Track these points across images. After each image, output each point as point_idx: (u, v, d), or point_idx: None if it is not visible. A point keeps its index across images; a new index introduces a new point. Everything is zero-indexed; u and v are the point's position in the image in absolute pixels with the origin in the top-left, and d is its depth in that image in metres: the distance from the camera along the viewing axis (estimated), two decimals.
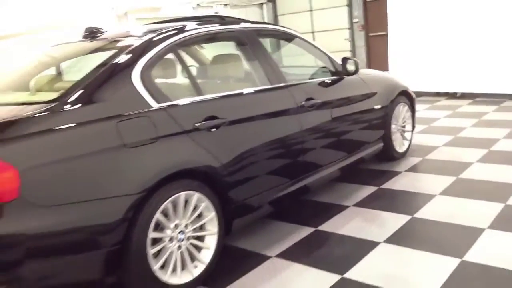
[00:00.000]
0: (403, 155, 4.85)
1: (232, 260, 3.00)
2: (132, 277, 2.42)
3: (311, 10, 13.92)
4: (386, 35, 11.38)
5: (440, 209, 3.50)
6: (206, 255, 2.76)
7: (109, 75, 2.53)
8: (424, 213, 3.46)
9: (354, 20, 12.77)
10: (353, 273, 2.72)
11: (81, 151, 2.26)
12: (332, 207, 3.73)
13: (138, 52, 2.68)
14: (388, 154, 4.64)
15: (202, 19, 3.44)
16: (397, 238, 3.10)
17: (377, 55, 12.06)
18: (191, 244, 2.69)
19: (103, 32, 3.21)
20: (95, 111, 2.38)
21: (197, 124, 2.70)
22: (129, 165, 2.38)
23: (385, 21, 11.97)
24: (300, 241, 3.20)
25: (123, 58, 2.63)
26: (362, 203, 3.77)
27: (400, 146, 4.80)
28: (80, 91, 2.41)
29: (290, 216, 3.58)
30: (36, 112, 2.26)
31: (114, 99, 2.47)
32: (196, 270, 2.69)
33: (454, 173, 4.22)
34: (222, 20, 3.44)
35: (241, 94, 3.14)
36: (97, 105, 2.41)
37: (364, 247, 3.03)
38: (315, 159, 3.58)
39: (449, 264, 2.70)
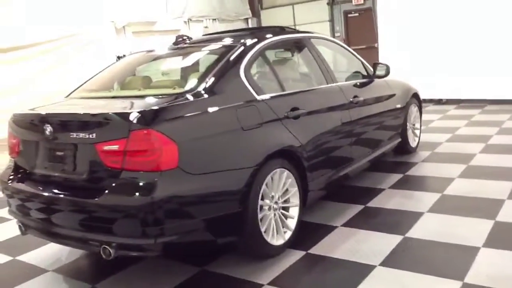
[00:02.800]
0: (415, 149, 5.58)
1: (306, 229, 3.56)
2: (247, 237, 2.96)
3: (295, 24, 14.73)
4: (367, 48, 12.33)
5: (463, 188, 4.21)
6: (291, 223, 3.33)
7: (223, 72, 3.10)
8: (451, 191, 4.16)
9: (336, 34, 13.68)
10: (412, 233, 3.36)
11: (215, 131, 2.82)
12: (372, 190, 4.37)
13: (240, 54, 3.26)
14: (404, 148, 5.35)
15: (267, 29, 4.04)
16: (437, 209, 3.77)
17: None
18: (281, 213, 3.26)
19: (191, 38, 3.77)
20: (219, 100, 2.95)
21: (286, 113, 3.30)
22: (246, 144, 2.96)
23: (365, 35, 12.94)
24: (357, 215, 3.82)
25: (230, 58, 3.20)
26: (396, 186, 4.43)
27: (412, 141, 5.52)
28: (205, 84, 2.97)
29: (339, 197, 4.18)
30: (177, 101, 2.80)
31: (230, 91, 3.05)
32: (286, 235, 3.26)
33: (463, 162, 4.97)
34: (283, 30, 4.05)
35: (312, 90, 3.79)
36: (220, 96, 2.98)
37: (412, 216, 3.67)
38: (359, 147, 4.23)
39: (486, 223, 3.39)
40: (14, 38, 9.06)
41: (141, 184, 2.55)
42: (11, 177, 3.17)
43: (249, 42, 3.42)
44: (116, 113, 2.67)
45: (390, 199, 4.10)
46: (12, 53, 9.04)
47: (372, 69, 4.68)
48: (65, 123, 2.86)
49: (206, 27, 14.07)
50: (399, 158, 5.35)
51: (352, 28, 13.82)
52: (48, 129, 2.82)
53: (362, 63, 4.69)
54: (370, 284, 2.74)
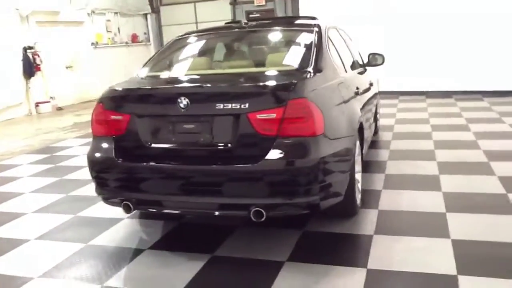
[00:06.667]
0: (378, 130, 6.45)
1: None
2: (347, 197, 3.35)
3: (196, 22, 14.96)
4: None
5: (450, 156, 5.12)
6: (358, 186, 3.82)
7: (317, 52, 3.42)
8: (443, 159, 5.03)
9: None
10: (446, 189, 4.09)
11: (334, 102, 3.20)
12: (380, 162, 5.04)
13: (319, 36, 3.61)
14: (375, 128, 6.18)
15: (305, 18, 4.44)
16: (448, 171, 4.56)
17: None
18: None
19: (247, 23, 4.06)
20: (327, 77, 3.31)
21: (357, 91, 3.78)
22: (348, 115, 3.37)
23: None
24: (387, 181, 4.42)
25: (316, 40, 3.54)
26: (395, 158, 5.18)
27: (377, 123, 6.39)
28: (311, 63, 3.29)
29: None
30: (301, 77, 3.06)
31: (328, 69, 3.41)
32: (358, 196, 3.74)
33: (428, 138, 5.97)
34: (315, 19, 4.47)
35: (358, 73, 4.31)
36: (323, 73, 3.31)
37: (433, 178, 4.41)
38: (372, 124, 4.89)
39: (495, 179, 4.29)
40: None
41: (299, 148, 2.80)
42: (117, 155, 3.09)
43: (318, 26, 3.80)
44: (272, 84, 2.88)
45: (401, 168, 4.80)
46: None
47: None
48: (208, 95, 2.95)
49: (108, 20, 13.61)
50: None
51: None
52: (184, 101, 2.87)
53: (359, 53, 5.35)
54: (455, 222, 3.37)
